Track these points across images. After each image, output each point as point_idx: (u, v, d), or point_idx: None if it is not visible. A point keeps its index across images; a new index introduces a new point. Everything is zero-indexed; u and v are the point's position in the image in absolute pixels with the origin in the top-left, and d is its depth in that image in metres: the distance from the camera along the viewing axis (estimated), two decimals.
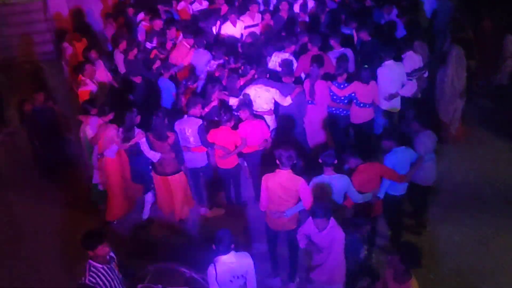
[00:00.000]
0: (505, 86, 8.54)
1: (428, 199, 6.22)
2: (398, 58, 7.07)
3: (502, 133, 7.76)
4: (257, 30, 8.76)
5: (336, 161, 4.96)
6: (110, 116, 6.04)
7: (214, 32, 8.70)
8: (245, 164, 6.72)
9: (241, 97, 6.62)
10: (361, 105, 6.75)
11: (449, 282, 5.29)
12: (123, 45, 8.00)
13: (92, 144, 6.14)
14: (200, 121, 6.01)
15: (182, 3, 9.79)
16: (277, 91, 6.58)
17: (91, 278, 3.95)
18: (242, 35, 8.63)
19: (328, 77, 6.93)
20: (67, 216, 6.62)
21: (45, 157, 7.40)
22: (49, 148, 7.32)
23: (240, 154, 6.33)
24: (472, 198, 6.55)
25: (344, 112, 6.87)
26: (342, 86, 6.74)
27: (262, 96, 6.59)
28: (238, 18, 8.73)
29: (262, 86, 6.62)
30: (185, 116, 6.11)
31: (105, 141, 5.92)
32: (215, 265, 4.03)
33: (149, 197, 6.37)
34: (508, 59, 8.36)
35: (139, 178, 6.28)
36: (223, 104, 6.65)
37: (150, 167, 6.19)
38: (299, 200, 4.89)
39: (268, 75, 6.85)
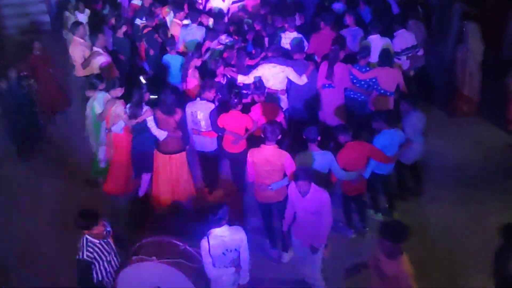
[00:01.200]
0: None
1: (418, 176, 6.27)
2: (389, 35, 6.94)
3: (503, 113, 7.68)
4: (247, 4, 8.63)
5: (319, 138, 4.98)
6: (120, 91, 5.96)
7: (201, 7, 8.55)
8: None
9: (252, 77, 6.38)
10: (382, 91, 6.42)
11: (441, 260, 5.34)
12: (111, 21, 7.88)
13: (101, 120, 6.03)
14: (213, 106, 5.88)
15: None
16: (292, 69, 6.38)
17: (88, 253, 4.01)
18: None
19: (350, 59, 6.65)
20: (55, 191, 6.59)
21: (20, 134, 7.24)
22: (25, 125, 7.19)
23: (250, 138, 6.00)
24: (467, 177, 6.58)
25: (362, 97, 6.57)
26: (364, 69, 6.48)
27: (276, 76, 6.41)
28: None
29: (276, 65, 6.41)
30: (198, 99, 5.97)
31: (112, 116, 5.85)
32: (208, 238, 4.08)
33: (147, 176, 6.22)
34: None
35: (140, 157, 6.11)
36: (232, 85, 6.42)
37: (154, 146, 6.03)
38: (285, 175, 4.98)
39: (281, 53, 6.58)
